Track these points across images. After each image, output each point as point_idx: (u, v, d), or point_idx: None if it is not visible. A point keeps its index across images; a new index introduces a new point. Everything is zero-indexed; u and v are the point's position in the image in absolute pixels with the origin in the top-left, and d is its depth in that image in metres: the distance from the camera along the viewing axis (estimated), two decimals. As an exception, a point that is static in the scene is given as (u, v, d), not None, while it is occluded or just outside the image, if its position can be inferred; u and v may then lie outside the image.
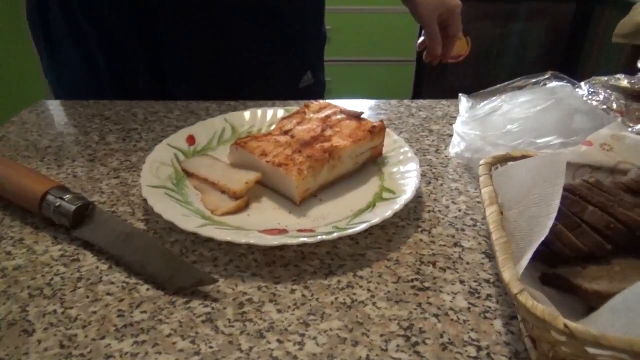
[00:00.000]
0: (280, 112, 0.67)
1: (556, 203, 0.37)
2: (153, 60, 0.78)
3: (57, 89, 0.85)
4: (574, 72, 2.41)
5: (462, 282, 0.43)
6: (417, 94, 2.45)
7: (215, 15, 0.75)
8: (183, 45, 0.77)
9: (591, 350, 0.30)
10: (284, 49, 0.83)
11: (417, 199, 0.54)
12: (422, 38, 0.91)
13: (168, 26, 0.75)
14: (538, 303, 0.31)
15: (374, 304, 0.41)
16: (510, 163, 0.47)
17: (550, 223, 0.36)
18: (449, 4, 0.85)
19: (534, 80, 0.70)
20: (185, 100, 0.78)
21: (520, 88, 0.69)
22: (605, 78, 0.70)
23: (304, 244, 0.46)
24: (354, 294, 0.42)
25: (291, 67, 0.86)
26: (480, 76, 2.40)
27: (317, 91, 0.91)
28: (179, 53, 0.78)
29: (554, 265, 0.40)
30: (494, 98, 0.61)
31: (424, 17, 0.85)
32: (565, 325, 0.30)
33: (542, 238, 0.35)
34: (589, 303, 0.36)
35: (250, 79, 0.82)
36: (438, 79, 2.42)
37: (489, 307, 0.40)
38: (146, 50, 0.77)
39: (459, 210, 0.53)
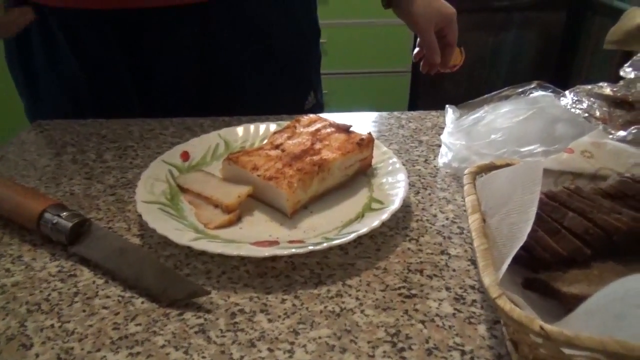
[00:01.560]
0: (273, 127, 0.69)
1: (534, 210, 0.38)
2: (145, 88, 0.78)
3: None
4: (567, 79, 2.44)
5: (448, 289, 0.44)
6: (413, 105, 2.47)
7: (206, 39, 0.76)
8: (175, 74, 0.77)
9: (567, 351, 0.31)
10: (284, 71, 0.83)
11: (406, 209, 0.56)
12: (417, 49, 0.90)
13: (157, 55, 0.76)
14: (516, 307, 0.33)
15: (362, 311, 0.42)
16: (492, 172, 0.48)
17: (528, 229, 0.37)
18: (444, 12, 0.83)
19: (520, 90, 0.71)
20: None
21: (507, 98, 0.70)
22: (589, 86, 0.71)
23: (295, 255, 0.47)
24: (343, 302, 0.43)
25: (295, 89, 0.87)
26: (475, 85, 2.42)
27: (317, 112, 0.91)
28: (171, 81, 0.78)
29: (536, 270, 0.41)
30: (479, 109, 0.63)
31: (420, 26, 0.83)
32: (541, 327, 0.31)
33: (521, 244, 0.37)
34: (567, 306, 0.37)
35: (253, 102, 0.82)
36: (433, 89, 2.44)
37: (474, 313, 0.42)
38: (136, 78, 0.77)
39: (447, 219, 0.54)
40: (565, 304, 0.37)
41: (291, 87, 0.86)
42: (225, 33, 0.76)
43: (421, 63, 0.90)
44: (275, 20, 0.80)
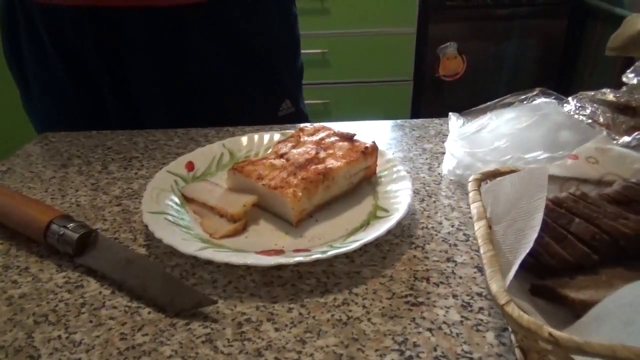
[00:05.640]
0: (277, 136, 0.69)
1: (539, 216, 0.38)
2: (122, 91, 0.80)
3: (34, 123, 0.89)
4: (569, 86, 2.44)
5: (455, 296, 0.44)
6: (415, 113, 2.47)
7: (183, 42, 0.78)
8: (152, 75, 0.80)
9: (577, 357, 0.31)
10: (257, 77, 0.85)
11: (411, 217, 0.56)
12: None
13: (135, 56, 0.78)
14: (524, 313, 0.33)
15: (369, 320, 0.42)
16: (497, 178, 0.48)
17: (534, 235, 0.37)
18: None
19: (522, 97, 0.72)
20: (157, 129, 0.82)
21: (510, 105, 0.71)
22: (592, 93, 0.72)
23: (301, 264, 0.47)
24: (350, 310, 0.43)
25: (268, 95, 0.88)
26: (477, 94, 2.41)
27: (299, 121, 0.92)
28: (147, 83, 0.80)
29: (543, 277, 0.41)
30: (483, 116, 0.63)
31: None
32: (550, 334, 0.31)
33: (527, 250, 0.37)
34: (576, 312, 0.37)
35: (226, 106, 0.84)
36: (435, 98, 2.45)
37: (482, 320, 0.41)
38: (114, 80, 0.79)
39: (452, 226, 0.54)
40: (574, 310, 0.37)
41: (265, 92, 0.87)
42: (200, 36, 0.78)
43: None
44: (252, 28, 0.82)
